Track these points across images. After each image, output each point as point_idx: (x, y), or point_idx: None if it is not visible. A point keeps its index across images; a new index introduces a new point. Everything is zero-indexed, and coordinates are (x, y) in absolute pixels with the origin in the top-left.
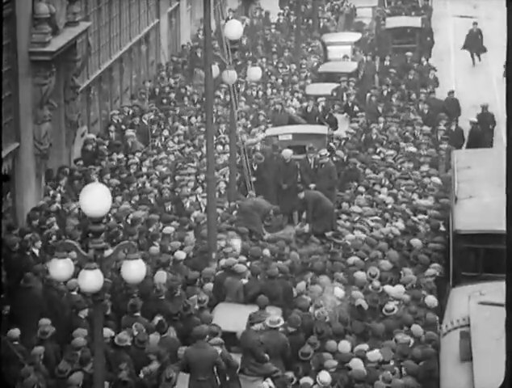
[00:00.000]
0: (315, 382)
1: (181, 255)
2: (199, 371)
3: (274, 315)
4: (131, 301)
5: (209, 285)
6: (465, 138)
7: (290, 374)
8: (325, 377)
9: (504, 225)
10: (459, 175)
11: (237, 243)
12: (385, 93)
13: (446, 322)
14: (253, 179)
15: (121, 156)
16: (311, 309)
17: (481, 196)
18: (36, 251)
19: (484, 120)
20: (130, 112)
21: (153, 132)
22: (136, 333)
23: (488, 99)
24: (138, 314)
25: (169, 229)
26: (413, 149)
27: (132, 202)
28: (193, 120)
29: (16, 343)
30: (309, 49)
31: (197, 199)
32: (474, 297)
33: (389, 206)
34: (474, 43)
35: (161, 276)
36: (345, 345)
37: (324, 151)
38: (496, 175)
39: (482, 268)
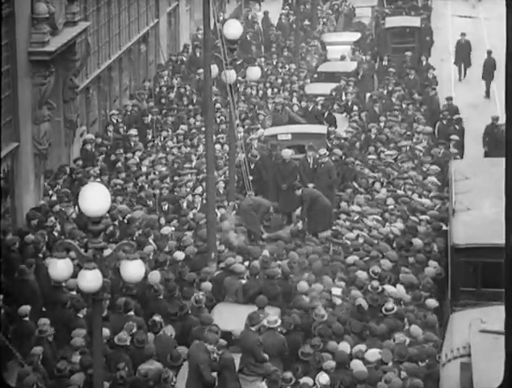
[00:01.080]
0: (314, 382)
1: (180, 255)
2: (193, 370)
3: (272, 315)
4: (124, 299)
5: (206, 284)
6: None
7: (289, 374)
8: (323, 379)
9: (503, 239)
10: (457, 186)
11: (232, 237)
12: (385, 93)
13: (446, 351)
14: (251, 177)
15: (121, 154)
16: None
17: (480, 208)
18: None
19: (495, 133)
20: (129, 112)
21: (153, 132)
22: (129, 333)
23: (486, 98)
24: (132, 313)
25: (167, 230)
26: (416, 147)
27: (132, 202)
28: (191, 120)
29: (27, 318)
30: (309, 49)
31: (194, 199)
32: (475, 325)
33: (390, 206)
34: (463, 56)
35: (156, 276)
36: (344, 346)
37: (323, 150)
38: (495, 185)
39: (481, 283)
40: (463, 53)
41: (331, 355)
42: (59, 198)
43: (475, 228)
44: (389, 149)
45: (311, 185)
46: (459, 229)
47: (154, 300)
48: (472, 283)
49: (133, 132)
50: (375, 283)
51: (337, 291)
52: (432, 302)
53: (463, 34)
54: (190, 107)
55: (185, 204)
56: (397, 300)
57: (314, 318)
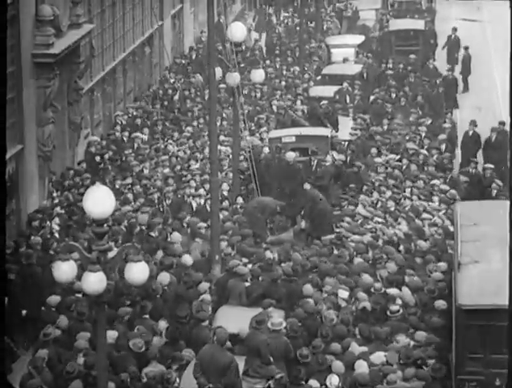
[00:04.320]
0: (321, 384)
1: (188, 260)
2: (211, 374)
3: (276, 317)
4: (141, 303)
5: (203, 285)
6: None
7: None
8: (335, 380)
9: None
10: (463, 234)
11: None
12: (393, 96)
13: None
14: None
15: (128, 155)
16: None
17: (488, 261)
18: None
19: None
20: (134, 114)
21: (157, 134)
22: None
23: (492, 101)
24: (147, 316)
25: (177, 236)
26: (422, 151)
27: (138, 204)
28: (195, 123)
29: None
30: (312, 51)
31: (202, 201)
32: None
33: (392, 209)
34: (450, 93)
35: (165, 278)
36: (353, 346)
37: (329, 158)
38: (505, 233)
39: (490, 349)
40: (450, 91)
41: (335, 356)
42: (60, 202)
43: (483, 285)
44: (392, 152)
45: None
46: (466, 286)
47: (154, 301)
48: (479, 349)
49: (139, 134)
50: (378, 285)
51: (343, 294)
52: (440, 303)
53: (450, 69)
54: (194, 109)
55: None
56: (403, 302)
57: (323, 321)
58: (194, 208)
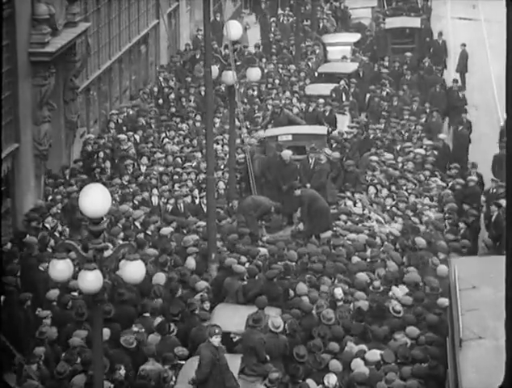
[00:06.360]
0: (318, 384)
1: (191, 262)
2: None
3: (276, 317)
4: (143, 301)
5: (201, 283)
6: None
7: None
8: (333, 379)
9: None
10: (463, 301)
11: None
12: (385, 94)
13: None
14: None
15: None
16: (313, 311)
17: (493, 336)
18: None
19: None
20: (130, 113)
21: (152, 132)
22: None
23: (487, 99)
24: (147, 314)
25: (166, 230)
26: (419, 150)
27: (136, 202)
28: (190, 121)
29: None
30: (309, 50)
31: (193, 200)
32: None
33: (388, 207)
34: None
35: (160, 278)
36: (350, 346)
37: (323, 156)
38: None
39: None
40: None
41: (332, 355)
42: (53, 200)
43: (490, 368)
44: (388, 150)
45: (308, 185)
46: (471, 370)
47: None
48: None
49: (122, 135)
50: (377, 283)
51: (339, 292)
52: (443, 301)
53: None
54: (190, 108)
55: (182, 205)
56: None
57: (322, 321)
58: (190, 207)
